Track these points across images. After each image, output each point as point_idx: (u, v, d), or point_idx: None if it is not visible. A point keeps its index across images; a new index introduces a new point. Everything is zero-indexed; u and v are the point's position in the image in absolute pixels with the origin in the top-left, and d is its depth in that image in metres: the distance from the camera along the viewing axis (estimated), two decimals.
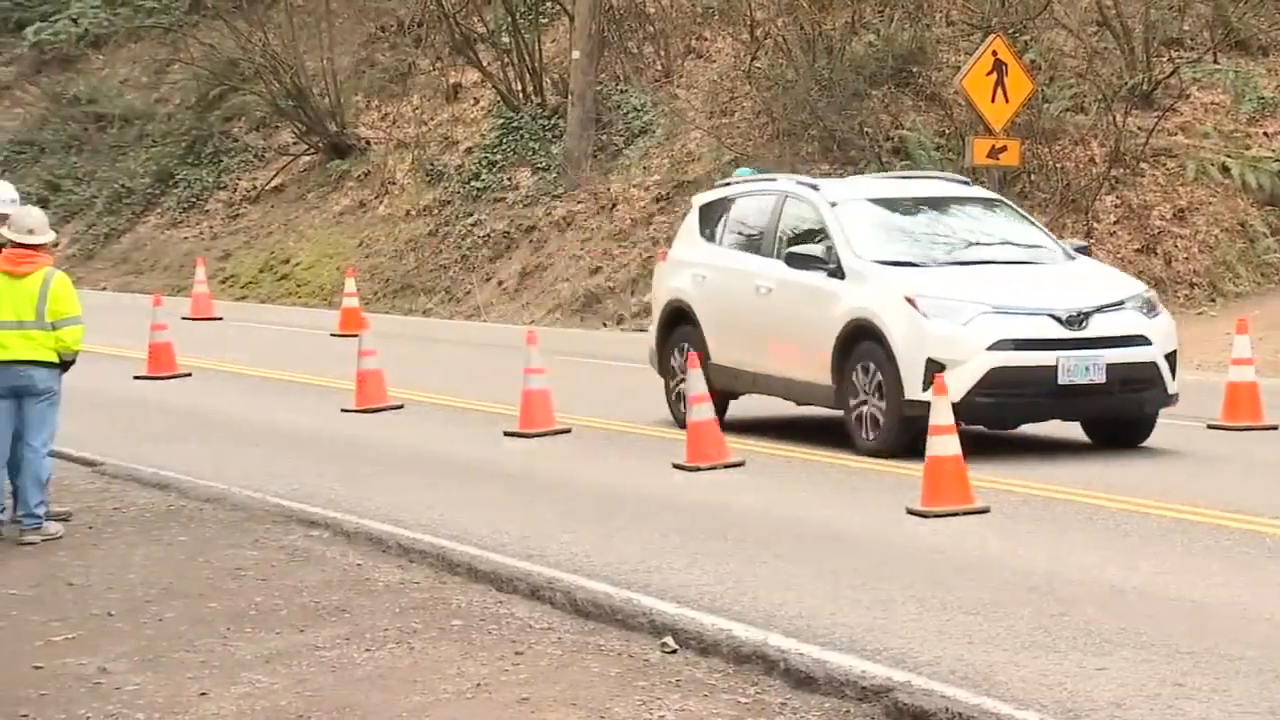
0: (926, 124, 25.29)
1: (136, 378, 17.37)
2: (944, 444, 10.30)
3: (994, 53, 20.04)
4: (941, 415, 10.38)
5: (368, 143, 31.93)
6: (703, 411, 12.15)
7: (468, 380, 17.47)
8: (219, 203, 32.83)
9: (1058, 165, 23.42)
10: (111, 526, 10.65)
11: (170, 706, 6.99)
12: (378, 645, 7.91)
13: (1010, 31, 23.27)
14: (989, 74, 20.63)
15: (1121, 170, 23.08)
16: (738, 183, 14.54)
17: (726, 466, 12.00)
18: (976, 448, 11.48)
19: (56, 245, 10.44)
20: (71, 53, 37.37)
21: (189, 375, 17.66)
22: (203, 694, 7.16)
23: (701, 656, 7.55)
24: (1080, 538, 9.57)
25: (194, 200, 33.11)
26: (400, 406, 15.20)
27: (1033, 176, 22.97)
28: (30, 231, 10.15)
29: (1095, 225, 22.51)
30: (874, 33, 26.44)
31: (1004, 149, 20.36)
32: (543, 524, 10.30)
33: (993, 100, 20.54)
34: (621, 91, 29.28)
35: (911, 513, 10.23)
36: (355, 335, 16.64)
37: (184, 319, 23.14)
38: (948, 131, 25.04)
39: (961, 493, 10.26)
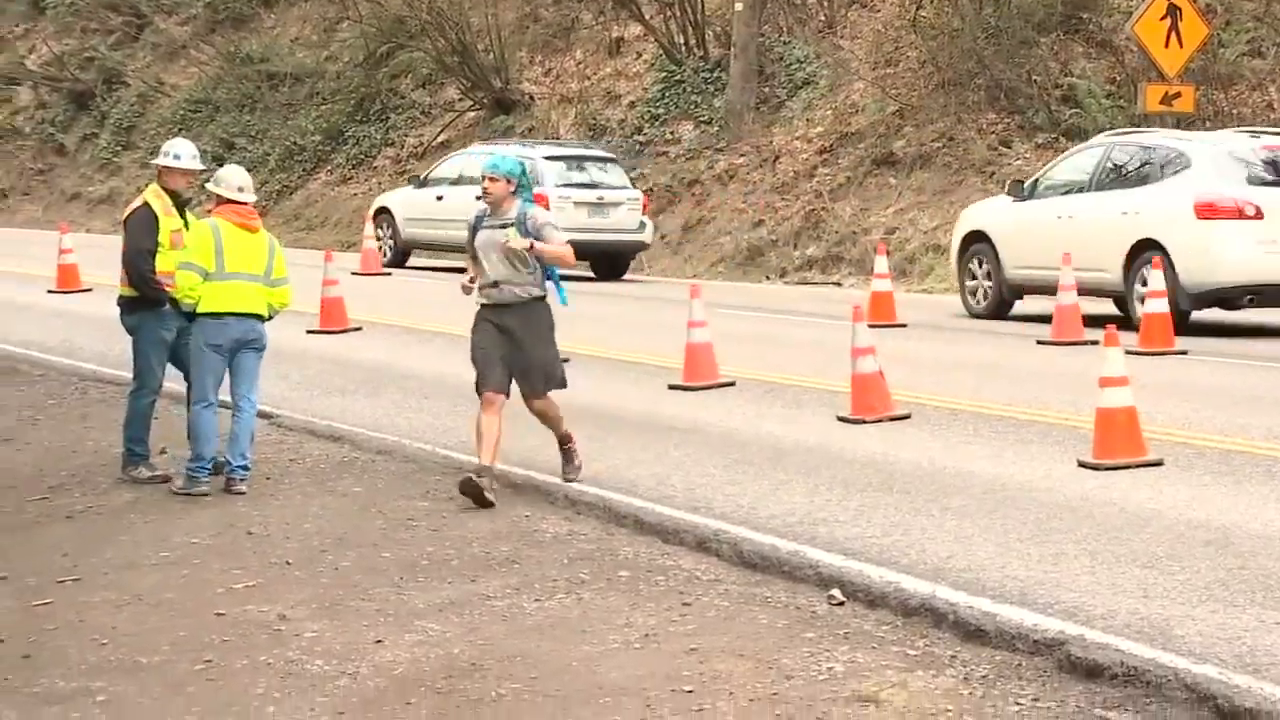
0: (1096, 71, 24.82)
1: (309, 332, 17.68)
2: (1116, 395, 10.14)
3: None
4: (1114, 366, 10.22)
5: (531, 98, 32.11)
6: (868, 364, 12.08)
7: (631, 334, 17.53)
8: (387, 159, 33.25)
9: (1234, 111, 22.84)
10: (288, 478, 10.88)
11: (347, 654, 7.14)
12: (547, 595, 8.00)
13: None
14: (1162, 19, 20.17)
15: None
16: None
17: (892, 419, 11.92)
18: (1149, 400, 11.29)
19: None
20: (244, 12, 38.01)
21: (359, 330, 17.93)
22: (378, 641, 7.31)
23: (869, 609, 7.53)
24: (1259, 490, 9.38)
25: (363, 157, 33.57)
26: (566, 360, 15.29)
27: (1208, 123, 22.44)
28: (240, 190, 10.47)
29: None
30: None
31: (1178, 95, 19.93)
32: (708, 476, 10.32)
33: (1166, 46, 20.10)
34: (784, 43, 29.08)
35: (1083, 465, 10.09)
36: None
37: (353, 274, 23.48)
38: (1118, 79, 24.55)
39: (1134, 445, 10.09)
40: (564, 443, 10.42)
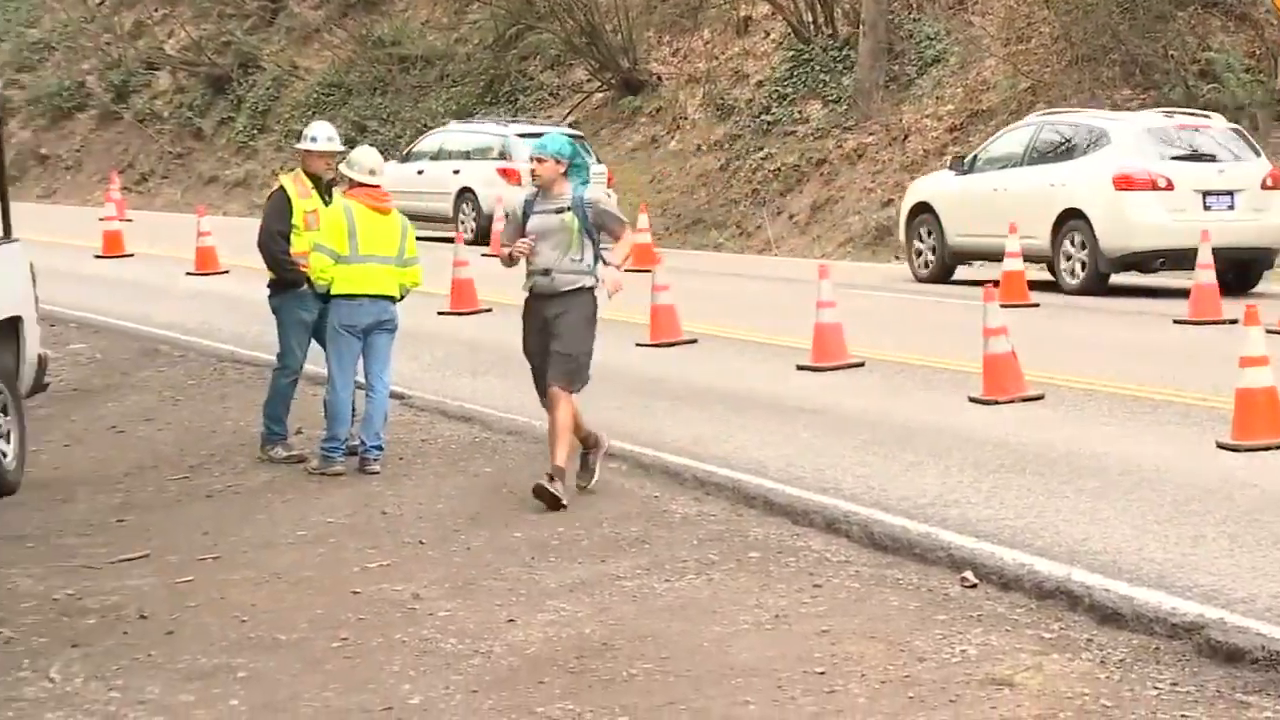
0: (1235, 45, 24.32)
1: (440, 314, 17.85)
2: (1256, 376, 9.95)
3: None
4: (1254, 345, 10.03)
5: (659, 78, 32.11)
6: (1000, 344, 11.96)
7: (759, 314, 17.49)
8: None
9: None
10: (421, 458, 10.99)
11: (480, 632, 7.21)
12: (677, 576, 8.01)
13: None
14: None
15: None
16: None
17: (1025, 400, 11.80)
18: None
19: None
20: None
21: (489, 311, 18.07)
22: (510, 620, 7.37)
23: (1003, 591, 7.47)
24: None
25: None
26: (693, 341, 15.31)
27: None
28: (372, 171, 10.58)
29: None
30: None
31: None
32: (837, 457, 10.29)
33: None
34: (914, 20, 28.83)
35: (1222, 447, 9.92)
36: (648, 270, 16.80)
37: (483, 255, 23.66)
38: (1258, 52, 24.05)
39: (1275, 426, 9.90)
40: (585, 446, 9.78)
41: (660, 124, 31.13)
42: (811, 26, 29.85)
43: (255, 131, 38.11)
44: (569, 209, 9.47)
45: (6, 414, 10.49)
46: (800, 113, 28.88)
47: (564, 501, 9.37)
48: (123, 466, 11.09)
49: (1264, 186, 18.30)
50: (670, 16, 33.06)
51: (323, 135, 11.04)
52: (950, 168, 20.71)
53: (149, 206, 35.02)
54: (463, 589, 7.93)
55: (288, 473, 10.66)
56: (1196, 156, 18.21)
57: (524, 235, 9.52)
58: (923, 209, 20.51)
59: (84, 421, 12.76)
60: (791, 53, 29.83)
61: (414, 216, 27.31)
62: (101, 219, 25.33)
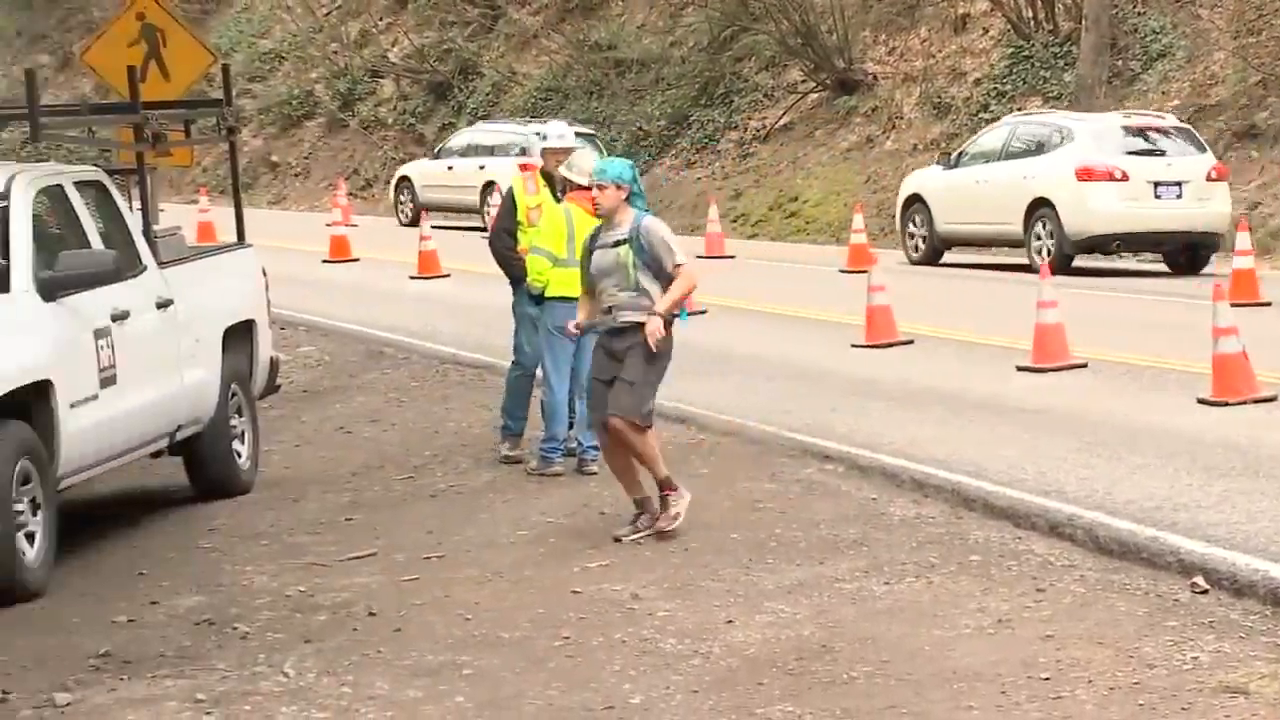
0: None
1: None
2: None
3: None
4: None
5: (875, 78, 31.87)
6: (1230, 344, 11.65)
7: (977, 314, 17.28)
8: (730, 142, 33.43)
9: None
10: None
11: (699, 633, 7.24)
12: (896, 579, 7.96)
13: None
14: None
15: None
16: None
17: (1256, 401, 11.47)
18: None
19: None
20: (593, 0, 38.70)
21: (704, 312, 18.12)
22: (729, 621, 7.39)
23: (1235, 598, 7.28)
24: None
25: (706, 141, 33.82)
26: (910, 341, 15.18)
27: None
28: (590, 175, 10.66)
29: None
30: None
31: None
32: (1059, 459, 10.12)
33: None
34: (1139, 14, 28.20)
35: None
36: (864, 271, 16.70)
37: (698, 257, 23.74)
38: None
39: None
40: (662, 487, 8.90)
41: (875, 124, 30.89)
42: (1031, 22, 29.36)
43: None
44: (626, 241, 8.83)
45: (241, 415, 10.82)
46: (1020, 110, 28.44)
47: (684, 504, 8.87)
48: (350, 466, 11.35)
49: (1208, 178, 20.86)
50: (886, 15, 32.78)
51: (554, 133, 11.20)
52: (938, 163, 23.44)
53: (373, 211, 35.75)
54: (681, 589, 7.96)
55: (508, 473, 10.82)
56: (1149, 151, 20.81)
57: (589, 278, 9.03)
58: (915, 200, 23.04)
59: (313, 422, 13.10)
60: (1011, 49, 29.37)
61: (445, 208, 30.80)
62: (328, 224, 25.96)
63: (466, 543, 9.15)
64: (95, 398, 8.95)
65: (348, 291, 21.08)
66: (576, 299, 10.50)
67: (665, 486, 8.96)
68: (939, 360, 14.43)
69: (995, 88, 29.12)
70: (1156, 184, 20.61)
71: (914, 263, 22.83)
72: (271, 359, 11.56)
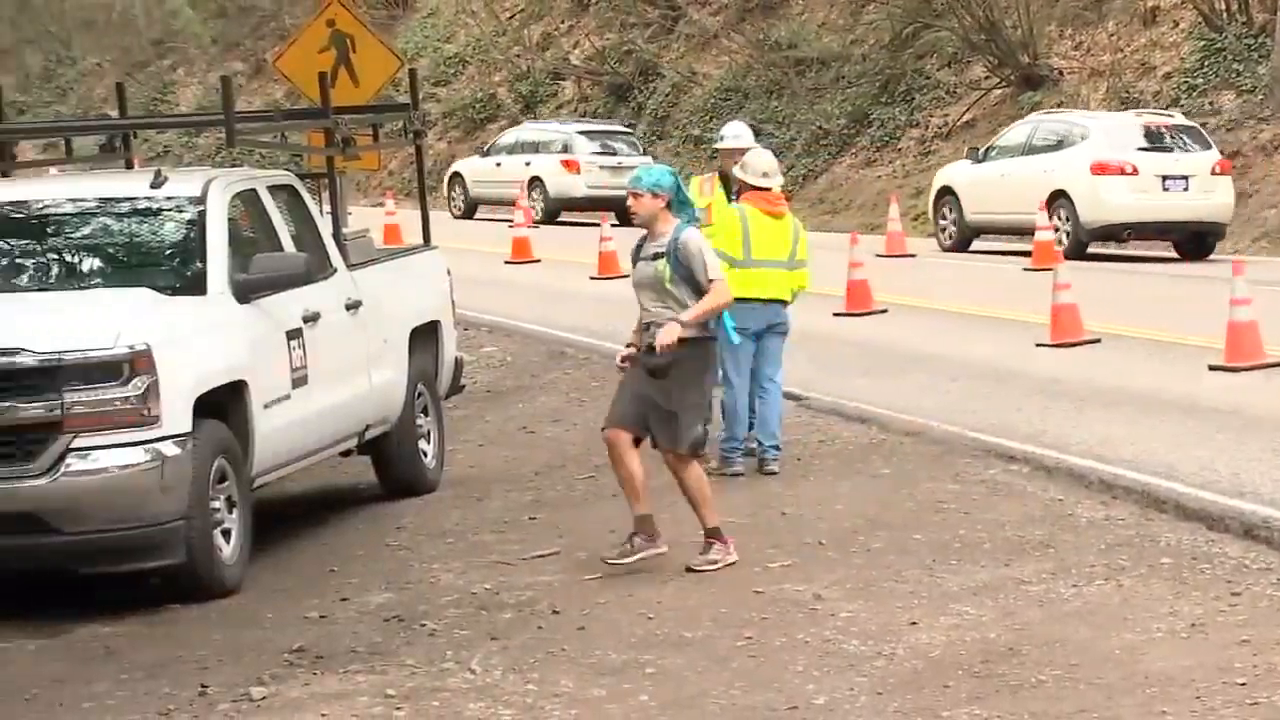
0: None
1: (835, 315, 17.87)
2: None
3: None
4: None
5: (1060, 73, 31.36)
6: None
7: (1167, 313, 16.92)
8: (911, 140, 33.14)
9: None
10: (818, 459, 11.03)
11: (882, 634, 7.20)
12: (1084, 581, 7.83)
13: None
14: None
15: None
16: None
17: None
18: None
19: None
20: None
21: (885, 311, 17.99)
22: (913, 623, 7.33)
23: None
24: None
25: (887, 139, 33.57)
26: (1097, 340, 14.92)
27: None
28: (765, 175, 10.66)
29: None
30: None
31: None
32: (1254, 461, 9.88)
33: None
34: None
35: None
36: (1049, 269, 16.46)
37: (878, 256, 23.57)
38: None
39: None
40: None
41: None
42: (1224, 15, 28.68)
43: (655, 138, 38.88)
44: (664, 254, 8.35)
45: (427, 415, 10.98)
46: (1211, 104, 27.77)
47: (729, 559, 8.37)
48: (533, 465, 11.46)
49: (1213, 172, 22.53)
50: (1073, 9, 32.24)
51: (730, 133, 11.21)
52: (968, 158, 25.16)
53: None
54: (864, 590, 7.93)
55: None
56: (1158, 148, 22.55)
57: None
58: (946, 191, 24.93)
59: (496, 422, 13.25)
60: (1202, 42, 28.71)
61: (491, 201, 33.06)
62: (511, 225, 26.25)
63: None
64: (287, 398, 9.15)
65: (529, 292, 21.29)
66: (756, 300, 10.50)
67: (712, 535, 8.47)
68: (1128, 359, 14.17)
69: (1186, 81, 28.50)
70: (1165, 177, 22.33)
71: (945, 249, 24.56)
72: (456, 359, 11.72)
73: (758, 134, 37.32)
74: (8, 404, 7.94)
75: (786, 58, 36.30)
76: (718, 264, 8.60)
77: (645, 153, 32.76)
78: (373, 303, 10.26)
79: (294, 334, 9.31)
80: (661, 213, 8.42)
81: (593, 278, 22.26)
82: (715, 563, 8.44)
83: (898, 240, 25.19)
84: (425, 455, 10.89)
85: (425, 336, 11.03)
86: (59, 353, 7.99)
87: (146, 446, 8.05)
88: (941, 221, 25.05)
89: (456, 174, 34.97)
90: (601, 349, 16.36)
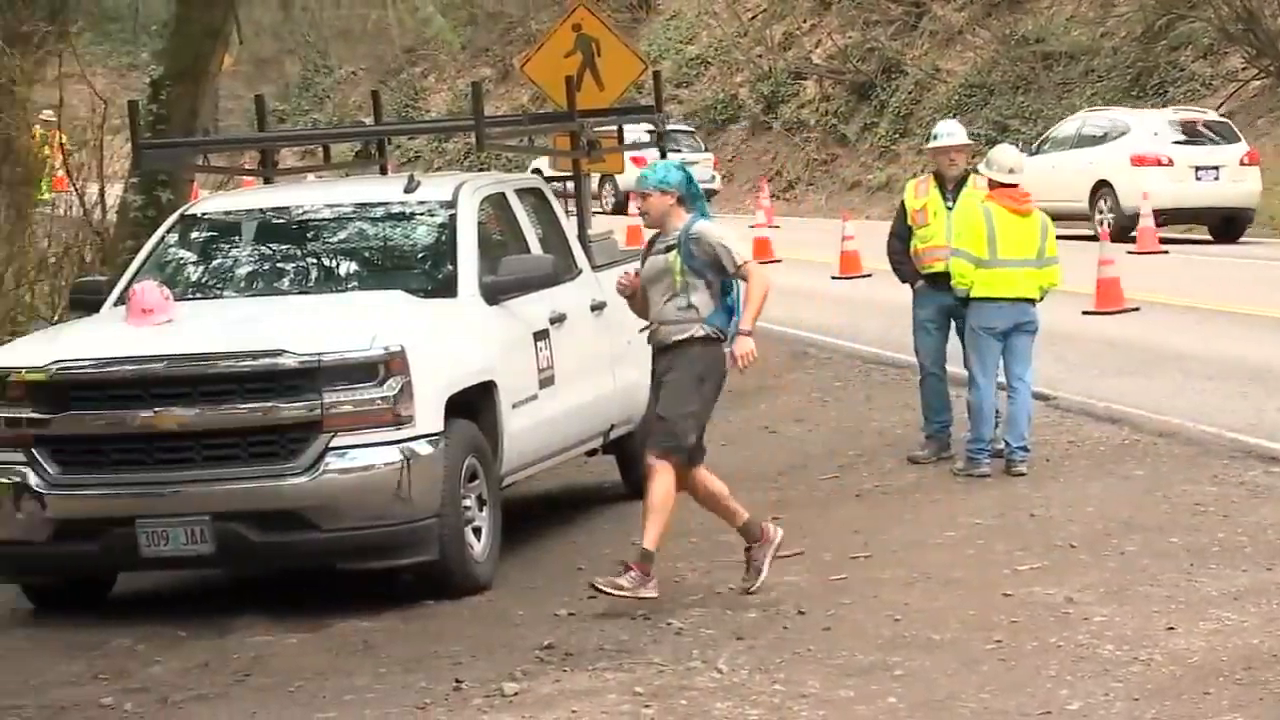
0: None
1: (1085, 313, 17.51)
2: None
3: None
4: None
5: None
6: None
7: None
8: None
9: None
10: (1068, 460, 10.82)
11: (1138, 639, 7.04)
12: None
13: None
14: None
15: None
16: None
17: None
18: None
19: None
20: None
21: (1136, 309, 17.57)
22: (1170, 628, 7.16)
23: None
24: None
25: None
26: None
27: None
28: (1011, 170, 10.52)
29: None
30: None
31: None
32: None
33: None
34: None
35: None
36: None
37: (1129, 253, 23.04)
38: None
39: None
40: (747, 538, 8.21)
41: None
42: None
43: (897, 136, 38.53)
44: (675, 246, 8.04)
45: None
46: None
47: (640, 594, 7.83)
48: (775, 466, 11.46)
49: (1241, 163, 25.05)
50: None
51: (944, 131, 11.08)
52: (1022, 151, 28.85)
53: (794, 213, 35.99)
54: (1118, 594, 7.75)
55: (934, 474, 10.73)
56: (1192, 141, 25.08)
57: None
58: None
59: (738, 422, 13.26)
60: None
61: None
62: (751, 226, 26.27)
63: (893, 542, 9.12)
64: (534, 398, 9.29)
65: (770, 292, 21.24)
66: (1002, 299, 10.35)
67: (642, 560, 7.89)
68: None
69: None
70: (1197, 168, 24.81)
71: None
72: None
73: (1004, 130, 37.04)
74: (270, 404, 8.20)
75: (1034, 52, 35.68)
76: (741, 246, 8.13)
77: (885, 153, 33.12)
78: (617, 303, 10.36)
79: (541, 335, 9.45)
80: (673, 209, 8.08)
81: (834, 277, 22.15)
82: (622, 589, 7.80)
83: (1149, 236, 24.61)
84: None
85: None
86: (318, 354, 8.23)
87: (401, 446, 8.24)
88: None
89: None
90: (844, 349, 16.28)
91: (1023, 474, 10.37)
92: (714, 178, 35.60)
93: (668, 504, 8.01)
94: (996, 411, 10.65)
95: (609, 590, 7.85)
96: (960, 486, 10.31)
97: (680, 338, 8.07)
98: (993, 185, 10.54)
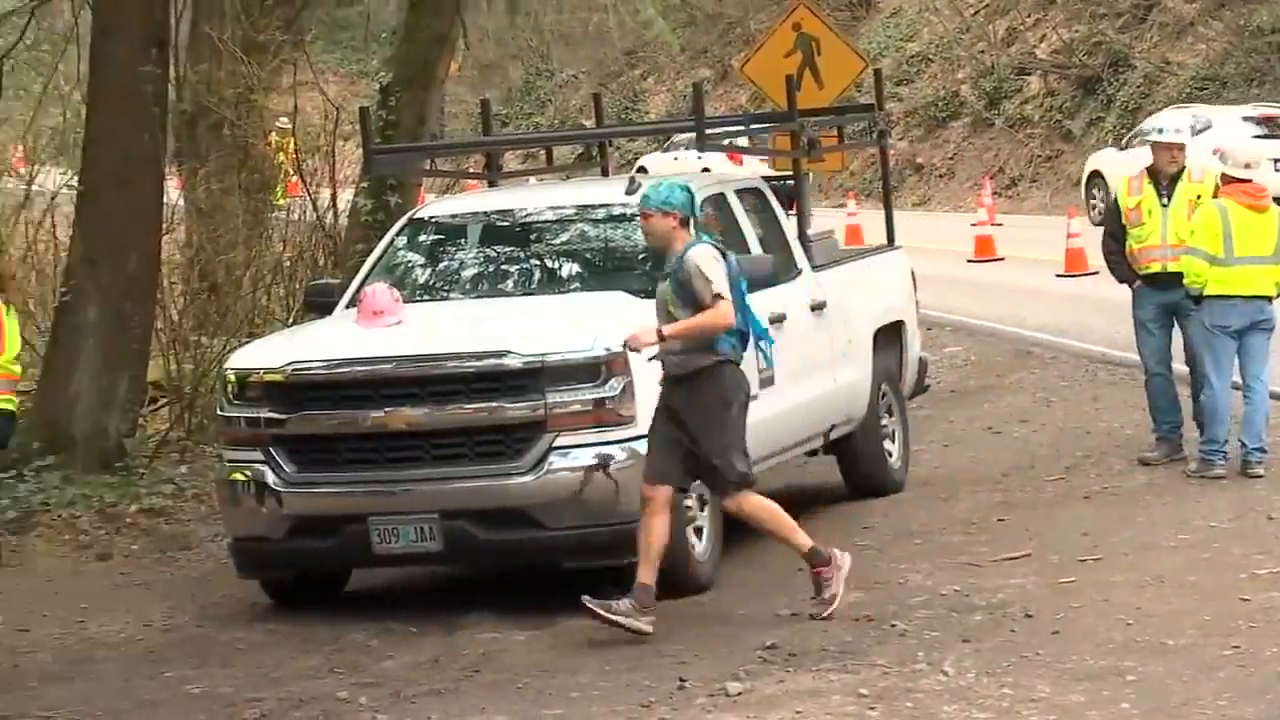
0: None
1: None
2: None
3: None
4: None
5: None
6: None
7: None
8: None
9: None
10: None
11: None
12: None
13: None
14: None
15: None
16: None
17: None
18: None
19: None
20: None
21: None
22: None
23: None
24: None
25: None
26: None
27: None
28: (1247, 165, 10.24)
29: None
30: None
31: None
32: None
33: None
34: None
35: None
36: None
37: None
38: None
39: None
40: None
41: None
42: None
43: (1124, 131, 37.73)
44: (671, 274, 7.78)
45: (891, 415, 10.96)
46: None
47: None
48: (1000, 466, 11.30)
49: None
50: None
51: (1170, 126, 10.82)
52: (1113, 145, 29.09)
53: (1017, 210, 35.40)
54: None
55: (1165, 475, 10.47)
56: (1271, 135, 26.00)
57: None
58: (1095, 175, 28.99)
59: (961, 422, 13.12)
60: None
61: None
62: (973, 224, 25.96)
63: (1124, 545, 8.93)
64: (755, 398, 9.28)
65: (993, 291, 21.00)
66: (1237, 297, 10.06)
67: (814, 562, 7.94)
68: None
69: None
70: (1275, 160, 24.79)
71: (1096, 224, 26.16)
72: (920, 359, 11.66)
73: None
74: (496, 404, 8.33)
75: (1269, 43, 34.63)
76: (723, 280, 7.73)
77: (1116, 145, 32.02)
78: (837, 303, 10.31)
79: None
80: (675, 231, 7.79)
81: (1059, 275, 21.77)
82: (833, 598, 7.89)
83: None
84: (890, 455, 10.86)
85: (889, 336, 11.01)
86: (542, 355, 8.33)
87: (623, 445, 8.30)
88: (1091, 200, 28.43)
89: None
90: (1070, 348, 15.99)
91: (1260, 476, 10.07)
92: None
93: (777, 514, 8.00)
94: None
95: (826, 609, 7.86)
96: (1194, 489, 10.06)
97: (684, 372, 7.87)
98: (1226, 180, 10.25)
